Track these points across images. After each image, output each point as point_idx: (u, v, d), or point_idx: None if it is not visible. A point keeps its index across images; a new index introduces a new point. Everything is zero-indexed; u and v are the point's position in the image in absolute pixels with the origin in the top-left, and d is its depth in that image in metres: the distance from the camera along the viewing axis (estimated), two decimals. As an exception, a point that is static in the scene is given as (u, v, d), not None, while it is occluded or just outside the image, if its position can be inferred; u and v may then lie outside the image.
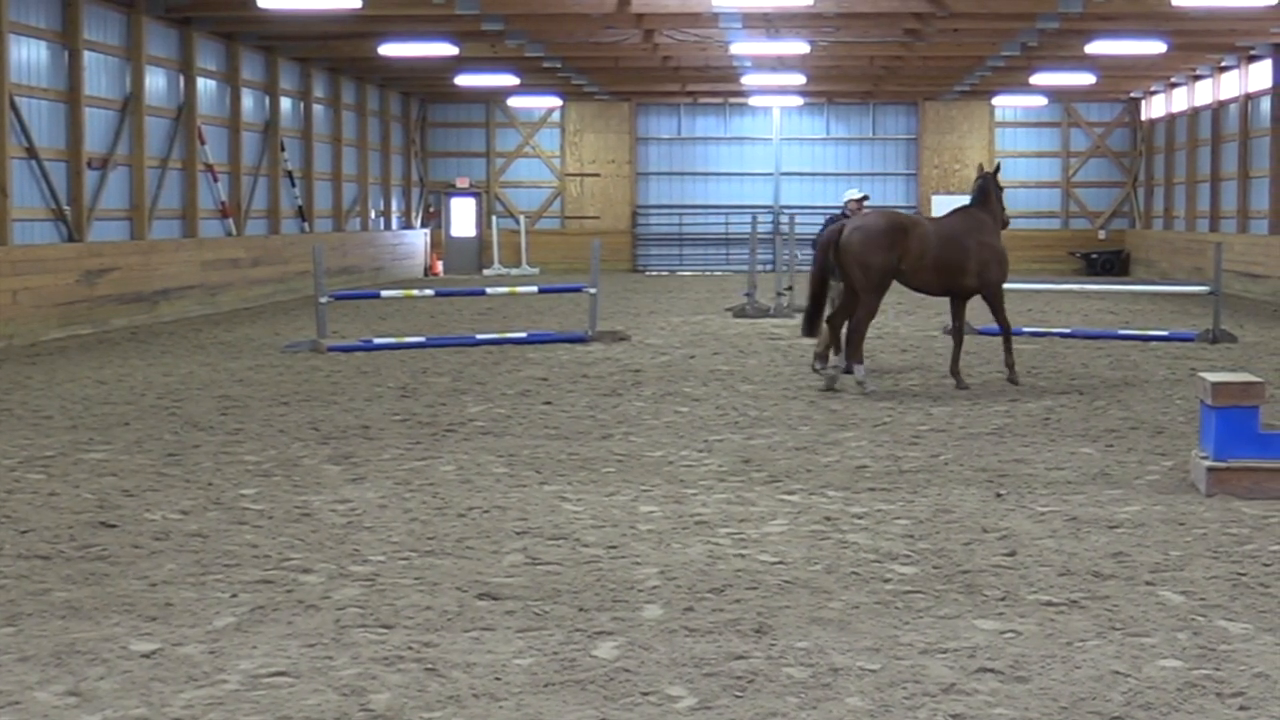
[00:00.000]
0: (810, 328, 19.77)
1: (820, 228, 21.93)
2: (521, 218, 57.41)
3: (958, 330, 20.49)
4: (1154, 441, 15.43)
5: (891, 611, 8.88)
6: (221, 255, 36.93)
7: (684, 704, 7.26)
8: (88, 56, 31.02)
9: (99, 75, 31.83)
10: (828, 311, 20.57)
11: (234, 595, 9.25)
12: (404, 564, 10.05)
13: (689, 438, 15.78)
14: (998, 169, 21.50)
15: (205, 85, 37.58)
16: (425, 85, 53.80)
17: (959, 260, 19.73)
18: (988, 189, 20.52)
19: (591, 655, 8.02)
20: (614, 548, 10.54)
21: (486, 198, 58.18)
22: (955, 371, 20.21)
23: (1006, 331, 20.60)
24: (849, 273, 19.47)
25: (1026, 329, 28.31)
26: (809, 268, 21.25)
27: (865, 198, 22.60)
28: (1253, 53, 42.88)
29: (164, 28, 35.00)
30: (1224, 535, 10.95)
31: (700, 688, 7.47)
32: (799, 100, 56.01)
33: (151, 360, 23.76)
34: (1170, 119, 53.40)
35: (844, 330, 20.44)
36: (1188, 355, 24.06)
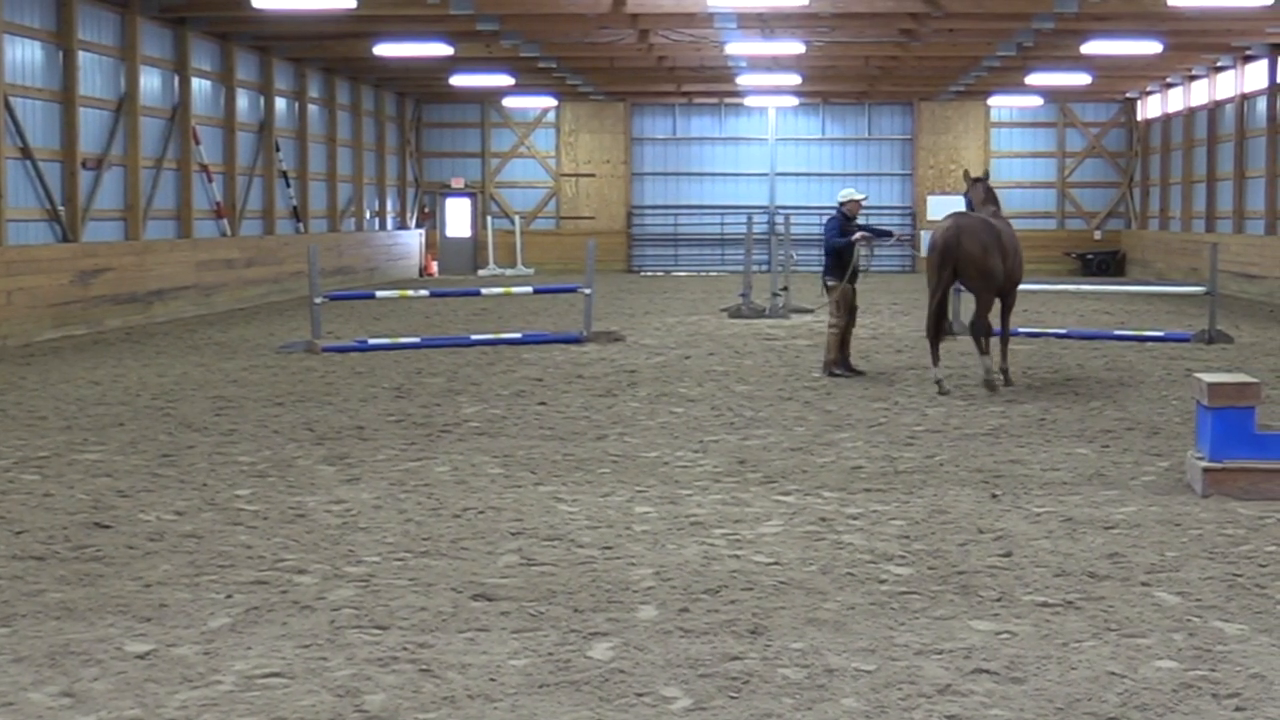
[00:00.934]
0: (937, 329, 19.94)
1: (824, 229, 21.87)
2: (516, 218, 57.35)
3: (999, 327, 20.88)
4: (1150, 442, 15.43)
5: (887, 612, 8.88)
6: (216, 256, 36.90)
7: (679, 705, 7.25)
8: (82, 56, 30.99)
9: (94, 75, 31.80)
10: (832, 319, 21.04)
11: (228, 596, 9.24)
12: (399, 565, 10.04)
13: (684, 438, 15.77)
14: (986, 174, 21.60)
15: (200, 85, 37.54)
16: (420, 85, 53.77)
17: (1013, 260, 20.29)
18: (992, 191, 20.95)
19: (586, 656, 8.01)
20: (609, 548, 10.53)
21: (481, 198, 58.14)
22: (1005, 369, 20.64)
23: (1009, 333, 20.79)
24: (968, 277, 19.88)
25: (1022, 329, 28.29)
26: (807, 268, 21.49)
27: (864, 198, 22.54)
28: (1249, 53, 42.88)
29: (158, 28, 34.98)
30: (1220, 536, 10.95)
31: (695, 689, 7.47)
32: (794, 100, 55.96)
33: (146, 361, 23.73)
34: (1166, 119, 53.39)
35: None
36: (1183, 356, 24.05)
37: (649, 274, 56.30)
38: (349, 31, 37.92)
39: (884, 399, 19.00)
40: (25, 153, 28.83)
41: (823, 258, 21.90)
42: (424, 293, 30.54)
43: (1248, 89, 44.57)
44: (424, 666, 7.83)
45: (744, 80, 48.70)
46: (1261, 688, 7.50)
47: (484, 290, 30.61)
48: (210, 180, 37.75)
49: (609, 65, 45.86)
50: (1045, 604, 9.05)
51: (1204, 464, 12.49)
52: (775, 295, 33.37)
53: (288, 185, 43.65)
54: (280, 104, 43.49)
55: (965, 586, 9.47)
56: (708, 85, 51.85)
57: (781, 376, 21.45)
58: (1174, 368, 22.31)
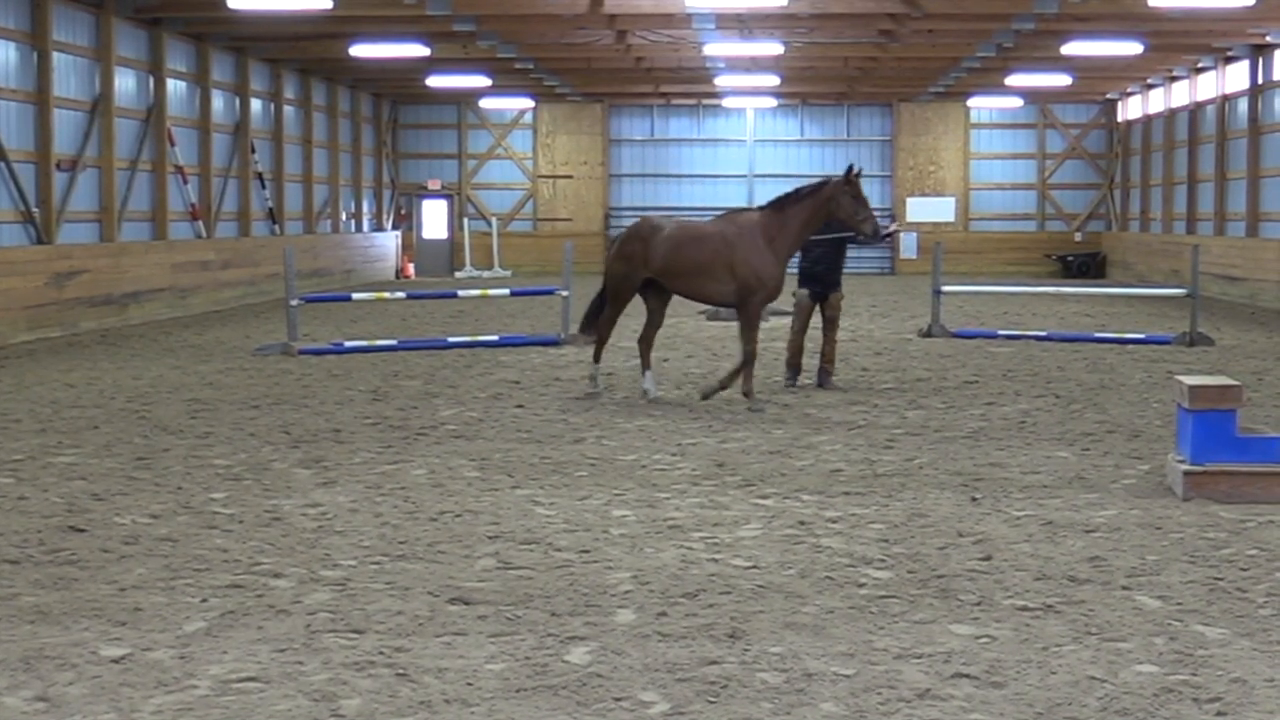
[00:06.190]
0: None
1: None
2: (493, 220, 57.36)
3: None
4: (1130, 445, 15.41)
5: (866, 616, 8.84)
6: (191, 257, 36.78)
7: (657, 710, 7.22)
8: (57, 57, 30.88)
9: (68, 76, 31.70)
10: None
11: (204, 600, 9.18)
12: (375, 568, 9.99)
13: (662, 441, 15.73)
14: None
15: (175, 86, 37.46)
16: (396, 86, 53.76)
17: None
18: None
19: (564, 660, 7.97)
20: (586, 552, 10.49)
21: (458, 200, 58.13)
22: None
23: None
24: None
25: (1002, 332, 28.36)
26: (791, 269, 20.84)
27: None
28: (1230, 54, 42.96)
29: (133, 28, 34.89)
30: (1201, 540, 10.92)
31: (673, 693, 7.43)
32: (773, 101, 56.02)
33: (121, 363, 23.65)
34: (1147, 120, 53.50)
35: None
36: (1164, 358, 24.05)
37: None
38: (325, 32, 37.88)
39: (863, 402, 18.95)
40: (-1, 154, 28.79)
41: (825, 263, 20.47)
42: (401, 295, 30.42)
43: (1229, 90, 44.64)
44: (400, 671, 7.78)
45: (722, 81, 48.74)
46: (1243, 692, 7.47)
47: (461, 292, 30.50)
48: (185, 182, 37.67)
49: (586, 66, 45.87)
50: (1025, 608, 9.02)
51: (1185, 467, 12.47)
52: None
53: (263, 187, 43.58)
54: (256, 105, 43.41)
55: (945, 590, 9.43)
56: (686, 86, 51.89)
57: (760, 379, 21.38)
58: (1155, 370, 22.31)
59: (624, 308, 19.27)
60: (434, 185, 58.05)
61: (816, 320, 20.64)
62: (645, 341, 19.31)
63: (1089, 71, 47.27)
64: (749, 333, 18.40)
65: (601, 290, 19.44)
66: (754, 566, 10.07)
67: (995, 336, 27.73)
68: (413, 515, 11.79)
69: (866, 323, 31.86)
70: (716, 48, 39.85)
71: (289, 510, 12.00)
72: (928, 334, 27.98)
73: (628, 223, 56.72)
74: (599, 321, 19.43)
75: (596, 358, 19.61)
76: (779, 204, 18.59)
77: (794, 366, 20.59)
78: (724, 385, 18.75)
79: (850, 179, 18.52)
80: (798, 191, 18.73)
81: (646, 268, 18.61)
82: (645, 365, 19.22)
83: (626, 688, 7.52)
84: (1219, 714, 7.19)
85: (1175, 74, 48.79)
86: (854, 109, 57.79)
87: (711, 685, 7.54)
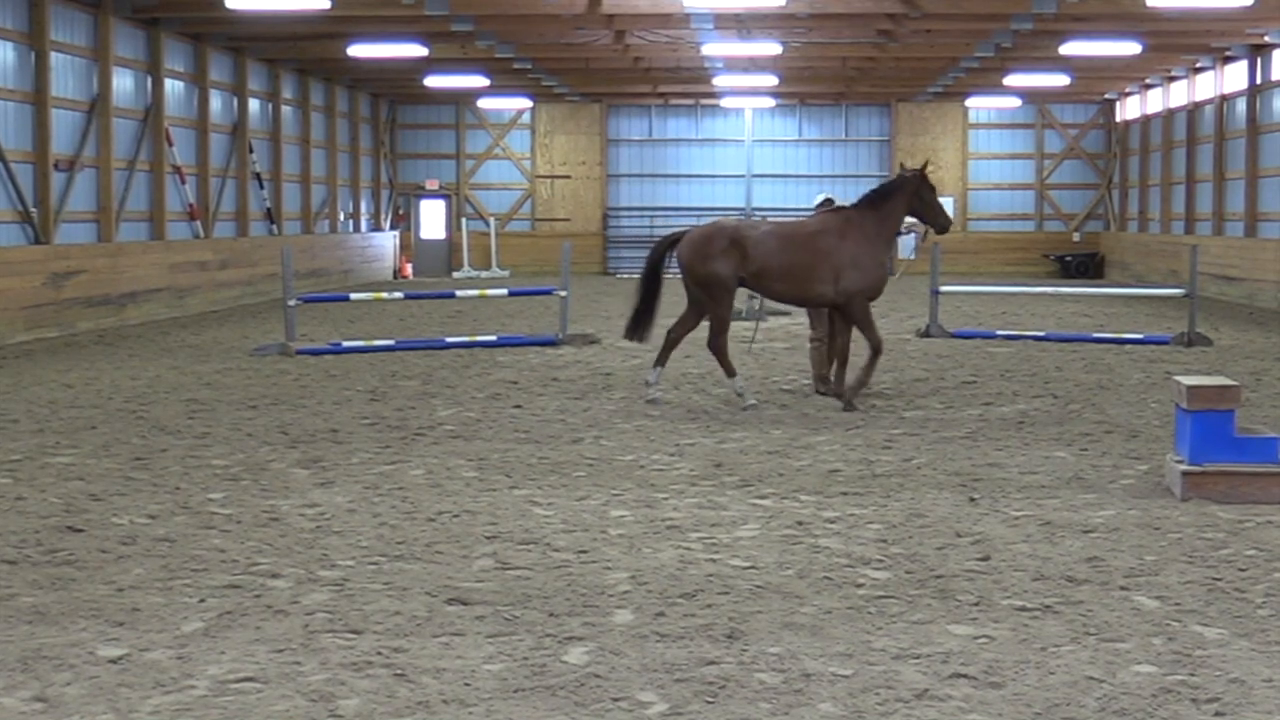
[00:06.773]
0: None
1: None
2: (492, 220, 57.33)
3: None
4: (1129, 445, 15.40)
5: (864, 617, 8.83)
6: (189, 258, 36.76)
7: (655, 710, 7.21)
8: (55, 57, 30.87)
9: (66, 76, 31.68)
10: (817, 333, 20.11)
11: (202, 600, 9.18)
12: (373, 569, 9.98)
13: (660, 441, 15.72)
14: None
15: (173, 86, 37.44)
16: (394, 86, 53.72)
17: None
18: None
19: (562, 661, 7.96)
20: (584, 552, 10.48)
21: (456, 200, 58.10)
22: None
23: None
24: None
25: (1000, 332, 28.33)
26: None
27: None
28: (1228, 54, 42.94)
29: (131, 28, 34.87)
30: (1199, 540, 10.91)
31: (671, 693, 7.42)
32: (771, 101, 55.98)
33: (119, 363, 23.63)
34: (1145, 120, 53.49)
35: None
36: (1163, 358, 24.04)
37: (625, 276, 56.20)
38: (323, 32, 37.85)
39: (860, 402, 18.91)
40: (-4, 154, 28.77)
41: None
42: (398, 295, 30.36)
43: (1227, 90, 44.64)
44: (398, 671, 7.78)
45: (720, 81, 48.71)
46: (1241, 692, 7.47)
47: (459, 293, 30.44)
48: (183, 182, 37.65)
49: (584, 66, 45.84)
50: (1023, 608, 9.01)
51: (1183, 467, 12.47)
52: (751, 298, 33.26)
53: (261, 187, 43.55)
54: (254, 105, 43.40)
55: (943, 590, 9.42)
56: (684, 86, 51.86)
57: (757, 380, 21.39)
58: (1153, 370, 22.30)
59: (731, 305, 18.92)
60: (432, 185, 58.02)
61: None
62: (672, 341, 19.20)
63: (1087, 71, 47.26)
64: (868, 331, 18.52)
65: (644, 296, 19.10)
66: (752, 567, 10.06)
67: (993, 337, 27.72)
68: (410, 515, 11.78)
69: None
70: (715, 48, 39.83)
71: (287, 510, 11.99)
72: (926, 334, 27.97)
73: (627, 223, 57.21)
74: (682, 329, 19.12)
75: (729, 372, 18.90)
76: (872, 202, 18.79)
77: (823, 377, 20.22)
78: (861, 383, 18.64)
79: (924, 172, 19.04)
80: (883, 188, 18.99)
81: (743, 268, 18.44)
82: (661, 361, 19.15)
83: (624, 688, 7.52)
84: (1217, 714, 7.18)
85: (1173, 74, 48.79)
86: (852, 109, 57.76)
87: (709, 685, 7.54)
